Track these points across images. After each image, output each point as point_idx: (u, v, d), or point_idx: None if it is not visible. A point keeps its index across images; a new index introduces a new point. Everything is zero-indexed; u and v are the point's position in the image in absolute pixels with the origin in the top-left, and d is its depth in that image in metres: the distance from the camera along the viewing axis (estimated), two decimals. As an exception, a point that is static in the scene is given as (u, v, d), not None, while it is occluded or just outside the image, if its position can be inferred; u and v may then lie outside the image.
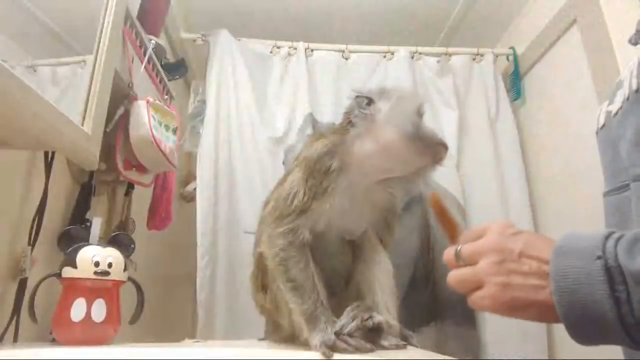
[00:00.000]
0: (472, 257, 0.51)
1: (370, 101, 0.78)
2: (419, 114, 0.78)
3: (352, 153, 0.75)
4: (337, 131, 0.80)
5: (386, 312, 0.75)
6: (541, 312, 0.46)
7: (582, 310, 0.42)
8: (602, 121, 0.62)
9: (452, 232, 0.60)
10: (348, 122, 0.79)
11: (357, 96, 0.79)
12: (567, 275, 0.43)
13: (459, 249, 0.53)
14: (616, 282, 0.40)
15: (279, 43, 1.80)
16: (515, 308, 0.47)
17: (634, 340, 0.40)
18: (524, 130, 1.81)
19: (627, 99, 0.53)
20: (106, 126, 0.90)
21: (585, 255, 0.42)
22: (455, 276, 0.53)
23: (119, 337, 0.76)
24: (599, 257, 0.41)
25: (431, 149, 0.74)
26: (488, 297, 0.48)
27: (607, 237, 0.43)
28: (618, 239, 0.42)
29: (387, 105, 0.77)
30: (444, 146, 0.75)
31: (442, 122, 1.71)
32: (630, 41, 0.62)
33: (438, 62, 1.84)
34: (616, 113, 0.57)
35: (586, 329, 0.43)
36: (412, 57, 1.81)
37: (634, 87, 0.50)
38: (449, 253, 0.54)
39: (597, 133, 0.64)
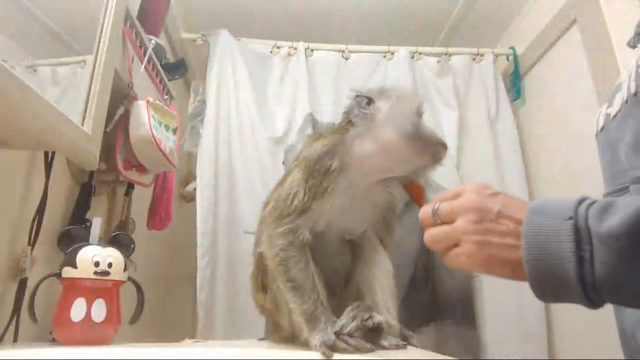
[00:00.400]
0: (450, 216, 0.51)
1: (370, 101, 0.78)
2: (419, 113, 0.78)
3: (352, 153, 0.75)
4: (337, 131, 0.80)
5: (386, 312, 0.75)
6: (515, 270, 0.47)
7: (547, 267, 0.43)
8: (601, 123, 0.62)
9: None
10: (348, 122, 0.79)
11: (357, 96, 0.79)
12: (537, 233, 0.44)
13: (436, 207, 0.52)
14: (583, 242, 0.42)
15: (279, 43, 1.80)
16: (490, 265, 0.49)
17: (590, 299, 0.42)
18: (524, 130, 1.81)
19: (626, 101, 0.54)
20: (106, 126, 0.90)
21: (558, 215, 0.44)
22: (432, 235, 0.53)
23: (119, 337, 0.76)
24: (570, 218, 0.43)
25: (431, 148, 0.74)
26: (464, 255, 0.49)
27: (581, 201, 0.45)
28: (591, 204, 0.44)
29: (386, 105, 0.77)
30: (443, 146, 0.75)
31: (442, 122, 1.71)
32: (629, 44, 0.62)
33: (438, 62, 1.84)
34: (615, 116, 0.57)
35: (548, 285, 0.44)
36: (412, 57, 1.81)
37: (633, 90, 0.51)
38: (425, 211, 0.54)
39: (596, 135, 0.64)
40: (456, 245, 0.50)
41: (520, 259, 0.45)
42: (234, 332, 1.40)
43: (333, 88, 1.72)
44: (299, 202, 0.74)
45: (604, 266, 0.41)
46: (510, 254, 0.47)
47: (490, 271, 0.49)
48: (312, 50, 1.80)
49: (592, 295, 0.42)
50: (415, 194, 0.63)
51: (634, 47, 0.62)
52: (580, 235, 0.42)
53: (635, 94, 0.50)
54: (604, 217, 0.42)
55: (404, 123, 0.74)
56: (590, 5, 1.37)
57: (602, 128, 0.61)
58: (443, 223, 0.52)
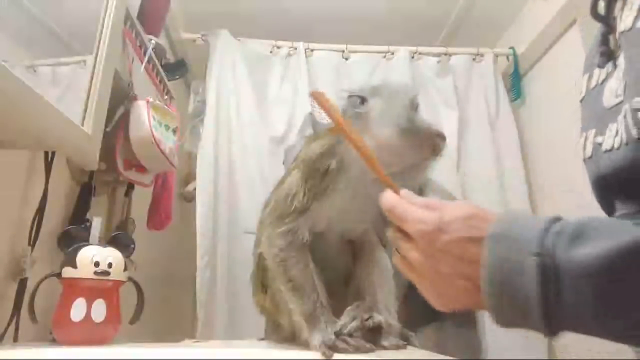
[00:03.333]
0: (412, 267, 0.52)
1: (363, 100, 0.78)
2: (413, 106, 0.77)
3: (350, 152, 0.75)
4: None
5: (386, 312, 0.75)
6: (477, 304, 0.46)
7: (509, 301, 0.41)
8: (589, 152, 0.59)
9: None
10: None
11: (350, 96, 0.78)
12: (501, 267, 0.42)
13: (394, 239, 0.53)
14: (549, 280, 0.39)
15: (279, 43, 1.80)
16: (449, 307, 0.50)
17: (552, 331, 0.40)
18: (524, 130, 1.81)
19: (626, 144, 0.50)
20: (106, 126, 0.90)
21: (521, 247, 0.41)
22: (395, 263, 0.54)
23: (119, 337, 0.76)
24: (536, 255, 0.40)
25: (428, 140, 0.73)
26: (423, 292, 0.51)
27: (547, 230, 0.41)
28: (558, 234, 0.40)
29: (380, 102, 0.76)
30: (441, 137, 0.74)
31: (442, 122, 1.71)
32: (598, 65, 0.61)
33: (438, 62, 1.84)
34: (609, 150, 0.54)
35: (509, 317, 0.43)
36: (412, 57, 1.81)
37: (635, 135, 0.48)
38: (390, 236, 0.55)
39: (584, 161, 0.61)
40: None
41: (478, 302, 0.44)
42: (234, 332, 1.40)
43: (333, 88, 1.71)
44: (299, 202, 0.74)
45: (571, 307, 0.39)
46: (467, 301, 0.47)
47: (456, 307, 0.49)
48: (312, 50, 1.80)
49: (554, 328, 0.41)
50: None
51: (602, 67, 0.60)
52: (547, 272, 0.39)
53: (639, 139, 0.47)
54: (576, 249, 0.39)
55: (399, 118, 0.73)
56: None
57: (590, 157, 0.58)
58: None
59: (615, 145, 0.52)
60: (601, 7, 0.60)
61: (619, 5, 0.56)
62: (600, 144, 0.56)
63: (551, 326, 0.40)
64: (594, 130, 0.58)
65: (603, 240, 0.38)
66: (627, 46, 0.51)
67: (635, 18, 0.51)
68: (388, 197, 0.54)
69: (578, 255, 0.39)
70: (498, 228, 0.44)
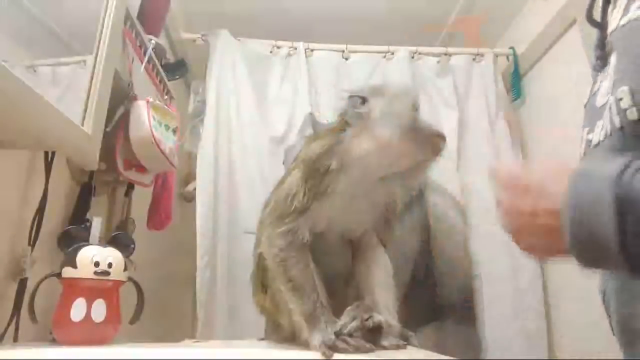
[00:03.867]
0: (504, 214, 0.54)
1: (364, 100, 0.78)
2: (414, 108, 0.77)
3: (350, 152, 0.75)
4: (334, 131, 0.80)
5: (386, 312, 0.75)
6: (566, 254, 0.47)
7: (588, 235, 0.42)
8: (582, 150, 0.61)
9: None
10: (344, 123, 0.79)
11: (351, 96, 0.78)
12: (576, 203, 0.43)
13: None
14: (626, 212, 0.40)
15: (279, 43, 1.80)
16: (545, 257, 0.55)
17: (634, 268, 0.41)
18: (524, 130, 1.81)
19: (610, 134, 0.53)
20: (106, 126, 0.90)
21: (598, 183, 0.42)
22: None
23: (119, 337, 0.76)
24: (611, 185, 0.41)
25: (429, 141, 0.74)
26: (526, 250, 0.53)
27: (626, 166, 0.42)
28: (636, 170, 0.41)
29: (381, 102, 0.76)
30: (441, 137, 0.74)
31: (442, 122, 1.71)
32: (594, 69, 0.62)
33: (438, 62, 1.84)
34: (597, 144, 0.56)
35: (591, 257, 0.44)
36: (412, 57, 1.81)
37: (617, 124, 0.50)
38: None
39: (580, 159, 0.63)
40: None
41: (562, 249, 0.45)
42: (234, 332, 1.40)
43: (333, 88, 1.72)
44: (299, 202, 0.74)
45: None
46: (556, 248, 0.48)
47: (545, 259, 0.53)
48: (312, 50, 1.80)
49: (635, 264, 0.41)
50: None
51: (599, 71, 0.61)
52: (623, 204, 0.40)
53: (621, 127, 0.50)
54: None
55: (400, 119, 0.74)
56: (590, 5, 1.36)
57: (584, 154, 0.60)
58: None
59: (601, 139, 0.54)
60: (597, 12, 0.62)
61: (611, 8, 0.57)
62: (590, 141, 0.57)
63: (630, 260, 0.40)
64: (587, 129, 0.59)
65: None
66: (615, 44, 0.53)
67: (622, 17, 0.52)
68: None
69: None
70: (579, 169, 0.46)
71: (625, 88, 0.49)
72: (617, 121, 0.50)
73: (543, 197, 0.48)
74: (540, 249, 0.50)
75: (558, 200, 0.45)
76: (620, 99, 0.50)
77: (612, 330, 0.59)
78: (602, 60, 0.60)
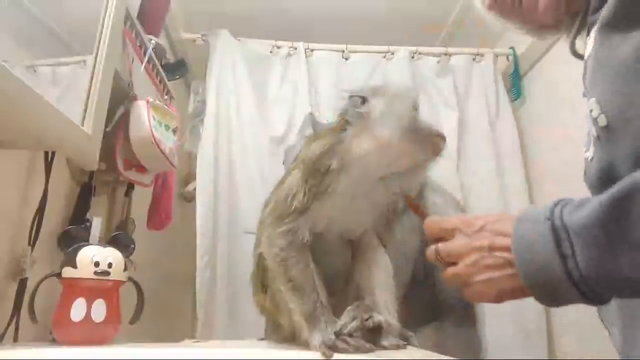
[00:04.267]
0: (451, 258, 0.56)
1: (364, 100, 0.78)
2: (414, 108, 0.77)
3: (350, 152, 0.75)
4: (334, 131, 0.80)
5: (386, 312, 0.75)
6: (520, 292, 0.51)
7: (536, 269, 0.46)
8: (584, 169, 0.64)
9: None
10: (344, 122, 0.79)
11: (351, 96, 0.79)
12: (523, 237, 0.48)
13: (436, 249, 0.58)
14: (561, 239, 0.44)
15: (279, 43, 1.80)
16: (503, 296, 0.53)
17: (584, 295, 0.44)
18: (524, 130, 1.81)
19: (593, 144, 0.57)
20: (106, 126, 0.90)
21: (538, 219, 0.47)
22: (446, 277, 0.58)
23: (119, 337, 0.76)
24: (547, 219, 0.46)
25: (429, 141, 0.74)
26: (477, 294, 0.54)
27: (557, 203, 0.48)
28: (565, 204, 0.47)
29: (381, 102, 0.77)
30: (441, 137, 0.74)
31: (442, 122, 1.71)
32: (584, 95, 0.64)
33: (438, 62, 1.84)
34: (592, 159, 0.60)
35: (544, 289, 0.47)
36: (412, 57, 1.81)
37: (594, 133, 0.55)
38: (430, 254, 0.59)
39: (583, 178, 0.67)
40: (468, 284, 0.55)
41: (521, 284, 0.48)
42: (234, 332, 1.40)
43: (333, 88, 1.72)
44: (299, 202, 0.74)
45: (585, 258, 0.43)
46: (513, 282, 0.50)
47: (506, 299, 0.53)
48: (312, 50, 1.80)
49: (585, 291, 0.44)
50: (413, 209, 0.70)
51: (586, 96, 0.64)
52: (559, 233, 0.45)
53: (598, 137, 0.54)
54: (577, 212, 0.45)
55: (400, 119, 0.74)
56: (590, 5, 1.36)
57: (585, 173, 0.63)
58: (447, 263, 0.57)
59: (592, 154, 0.58)
60: (580, 44, 0.65)
61: (587, 38, 0.60)
62: (586, 158, 0.61)
63: (579, 287, 0.44)
64: (585, 149, 0.62)
65: (595, 200, 0.44)
66: (589, 66, 0.57)
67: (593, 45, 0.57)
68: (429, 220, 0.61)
69: (579, 215, 0.44)
70: (519, 214, 0.52)
71: (593, 99, 0.54)
72: (594, 131, 0.54)
73: (498, 235, 0.52)
74: (499, 283, 0.51)
75: (510, 236, 0.50)
76: (591, 111, 0.54)
77: (614, 341, 0.61)
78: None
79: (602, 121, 0.52)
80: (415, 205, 0.71)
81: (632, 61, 0.49)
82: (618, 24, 0.51)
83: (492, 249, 0.51)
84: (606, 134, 0.52)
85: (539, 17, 0.70)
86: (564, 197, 0.49)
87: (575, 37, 0.67)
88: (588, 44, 0.58)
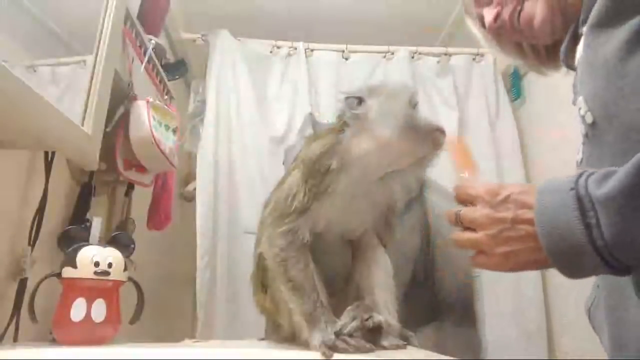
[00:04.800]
0: (472, 224, 0.55)
1: (360, 100, 0.78)
2: (412, 104, 0.77)
3: (350, 152, 0.75)
4: (333, 131, 0.80)
5: (386, 312, 0.75)
6: (540, 264, 0.51)
7: (559, 239, 0.46)
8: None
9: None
10: (343, 124, 0.79)
11: (347, 97, 0.78)
12: (546, 208, 0.47)
13: (459, 213, 0.57)
14: (586, 209, 0.44)
15: (279, 43, 1.80)
16: (521, 267, 0.53)
17: (608, 264, 0.44)
18: (524, 130, 1.81)
19: (583, 143, 0.58)
20: (106, 126, 0.90)
21: (561, 189, 0.47)
22: (459, 241, 0.57)
23: (119, 337, 0.76)
24: (571, 189, 0.46)
25: (428, 136, 0.74)
26: (493, 265, 0.54)
27: (581, 174, 0.47)
28: (590, 174, 0.46)
29: (377, 102, 0.76)
30: (440, 131, 0.74)
31: (442, 122, 1.70)
32: (573, 103, 0.64)
33: (438, 62, 1.84)
34: (581, 161, 0.61)
35: (567, 259, 0.47)
36: (412, 57, 1.81)
37: (583, 132, 0.55)
38: (449, 214, 0.59)
39: None
40: (482, 252, 0.54)
41: (544, 257, 0.48)
42: (234, 332, 1.40)
43: (333, 88, 1.72)
44: (299, 202, 0.74)
45: (610, 227, 0.42)
46: (534, 255, 0.50)
47: (526, 270, 0.53)
48: (312, 50, 1.80)
49: (609, 260, 0.43)
50: (460, 158, 0.69)
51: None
52: (583, 203, 0.44)
53: (587, 135, 0.55)
54: (602, 183, 0.44)
55: (397, 116, 0.74)
56: (590, 5, 1.36)
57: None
58: (466, 228, 0.56)
59: (582, 155, 0.59)
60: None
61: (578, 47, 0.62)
62: (577, 161, 0.62)
63: (603, 255, 0.43)
64: (577, 152, 0.63)
65: (621, 170, 0.43)
66: (579, 71, 0.58)
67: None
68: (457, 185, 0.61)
69: (604, 186, 0.44)
70: (541, 185, 0.50)
71: (580, 98, 0.54)
72: (582, 130, 0.55)
73: (522, 207, 0.51)
74: (519, 255, 0.51)
75: (532, 208, 0.49)
76: (580, 109, 0.55)
77: (604, 346, 0.62)
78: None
79: (589, 118, 0.53)
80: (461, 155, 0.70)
81: (616, 58, 0.49)
82: (608, 22, 0.51)
83: (515, 221, 0.51)
84: (593, 131, 0.53)
85: (537, 33, 0.71)
86: (589, 169, 0.48)
87: (567, 49, 0.67)
88: (578, 50, 0.59)
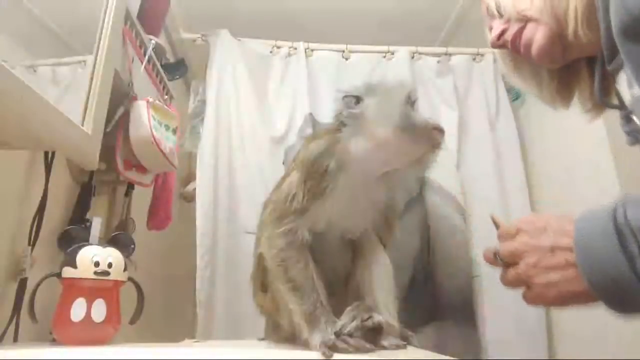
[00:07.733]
0: (511, 259, 0.54)
1: (358, 99, 0.77)
2: (409, 102, 0.77)
3: (348, 152, 0.75)
4: (331, 131, 0.80)
5: (386, 312, 0.75)
6: (583, 297, 0.48)
7: (600, 270, 0.44)
8: None
9: None
10: (340, 123, 0.79)
11: (345, 96, 0.78)
12: (585, 237, 0.46)
13: (497, 251, 0.56)
14: (626, 238, 0.42)
15: (279, 43, 1.80)
16: (563, 301, 0.51)
17: None
18: (524, 130, 1.81)
19: None
20: (106, 126, 0.90)
21: (600, 217, 0.45)
22: (505, 279, 0.56)
23: (119, 337, 0.76)
24: (609, 218, 0.44)
25: (426, 135, 0.73)
26: (537, 298, 0.52)
27: (619, 202, 0.45)
28: (627, 202, 0.44)
29: (374, 101, 0.76)
30: (438, 129, 0.74)
31: (442, 122, 1.70)
32: (629, 143, 0.64)
33: (438, 62, 1.84)
34: None
35: (610, 291, 0.44)
36: (412, 57, 1.81)
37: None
38: (488, 254, 0.57)
39: None
40: (528, 286, 0.53)
41: (586, 290, 0.46)
42: (234, 332, 1.40)
43: (333, 88, 1.71)
44: (298, 203, 0.74)
45: None
46: (576, 285, 0.48)
47: (565, 305, 0.51)
48: (312, 50, 1.80)
49: None
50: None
51: (635, 144, 0.64)
52: (622, 231, 0.43)
53: None
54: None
55: (394, 115, 0.73)
56: (590, 5, 1.36)
57: None
58: (507, 264, 0.55)
59: None
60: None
61: (618, 85, 0.61)
62: None
63: None
64: None
65: None
66: (636, 109, 0.57)
67: (631, 88, 0.56)
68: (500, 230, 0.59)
69: None
70: (580, 214, 0.49)
71: None
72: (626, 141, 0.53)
73: (561, 235, 0.49)
74: (559, 286, 0.49)
75: (572, 236, 0.48)
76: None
77: None
78: (632, 135, 0.63)
79: None
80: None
81: None
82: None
83: (554, 249, 0.49)
84: None
85: (536, 59, 0.69)
86: (629, 194, 0.47)
87: (601, 89, 0.64)
88: (622, 87, 0.57)
